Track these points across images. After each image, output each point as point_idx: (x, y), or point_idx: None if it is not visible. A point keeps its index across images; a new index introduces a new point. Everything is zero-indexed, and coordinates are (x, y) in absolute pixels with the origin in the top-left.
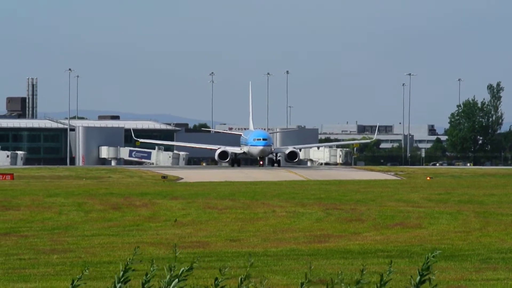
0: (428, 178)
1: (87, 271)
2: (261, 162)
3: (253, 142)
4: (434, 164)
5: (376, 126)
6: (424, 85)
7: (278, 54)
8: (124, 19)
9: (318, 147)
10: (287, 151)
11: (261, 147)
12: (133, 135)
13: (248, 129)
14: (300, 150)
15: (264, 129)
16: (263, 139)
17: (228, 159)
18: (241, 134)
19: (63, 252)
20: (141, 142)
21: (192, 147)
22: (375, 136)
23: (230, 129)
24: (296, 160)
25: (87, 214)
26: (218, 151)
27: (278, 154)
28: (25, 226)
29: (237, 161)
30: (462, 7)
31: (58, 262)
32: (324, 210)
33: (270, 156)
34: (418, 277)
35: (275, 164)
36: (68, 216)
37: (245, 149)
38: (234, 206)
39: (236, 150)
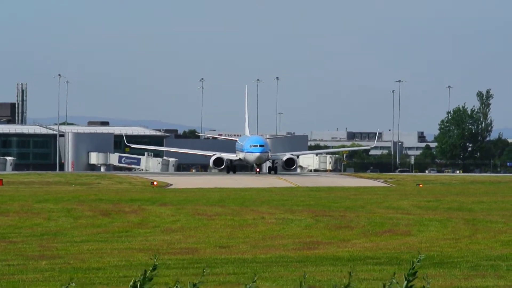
0: (420, 185)
1: (73, 283)
2: (257, 169)
3: (249, 149)
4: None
5: (365, 133)
6: (414, 92)
7: (268, 61)
8: (114, 24)
9: (316, 154)
10: (284, 158)
11: (258, 154)
12: (125, 141)
13: (242, 135)
14: (298, 157)
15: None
16: (260, 146)
17: (223, 166)
18: (232, 140)
19: (52, 258)
20: (132, 148)
21: (185, 153)
22: (375, 143)
23: (220, 135)
24: (294, 167)
25: (76, 220)
26: (213, 158)
27: (275, 161)
28: (14, 232)
29: (233, 167)
30: (452, 14)
31: (47, 268)
32: (314, 217)
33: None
34: (405, 283)
35: (271, 171)
36: (57, 222)
37: (241, 155)
38: (224, 213)
39: (232, 156)
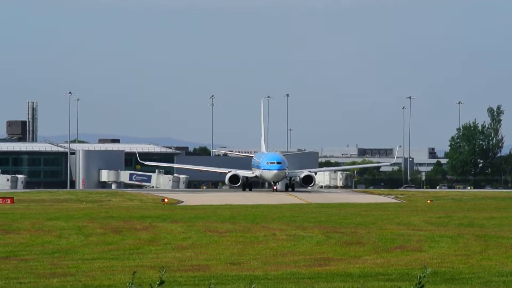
0: (428, 201)
1: None
2: (274, 187)
3: (266, 166)
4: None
5: (376, 149)
6: (424, 108)
7: (278, 78)
8: (124, 42)
9: (335, 171)
10: (302, 175)
11: (275, 171)
12: (138, 158)
13: (257, 151)
14: (316, 174)
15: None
16: (277, 163)
17: (239, 183)
18: (243, 156)
19: (63, 276)
20: (145, 165)
21: (196, 170)
22: (395, 159)
23: (231, 152)
24: (312, 184)
25: (87, 237)
26: (228, 175)
27: (292, 178)
28: (25, 249)
29: (249, 185)
30: (461, 30)
31: (58, 285)
32: (325, 234)
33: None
34: None
35: (289, 189)
36: (68, 239)
37: (257, 172)
38: (235, 230)
39: (248, 173)
